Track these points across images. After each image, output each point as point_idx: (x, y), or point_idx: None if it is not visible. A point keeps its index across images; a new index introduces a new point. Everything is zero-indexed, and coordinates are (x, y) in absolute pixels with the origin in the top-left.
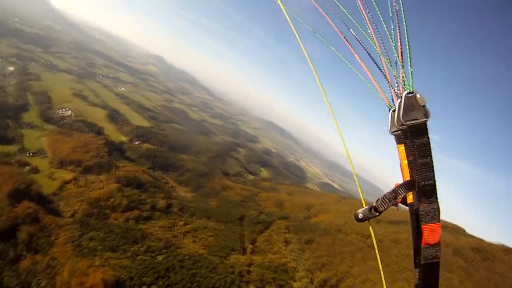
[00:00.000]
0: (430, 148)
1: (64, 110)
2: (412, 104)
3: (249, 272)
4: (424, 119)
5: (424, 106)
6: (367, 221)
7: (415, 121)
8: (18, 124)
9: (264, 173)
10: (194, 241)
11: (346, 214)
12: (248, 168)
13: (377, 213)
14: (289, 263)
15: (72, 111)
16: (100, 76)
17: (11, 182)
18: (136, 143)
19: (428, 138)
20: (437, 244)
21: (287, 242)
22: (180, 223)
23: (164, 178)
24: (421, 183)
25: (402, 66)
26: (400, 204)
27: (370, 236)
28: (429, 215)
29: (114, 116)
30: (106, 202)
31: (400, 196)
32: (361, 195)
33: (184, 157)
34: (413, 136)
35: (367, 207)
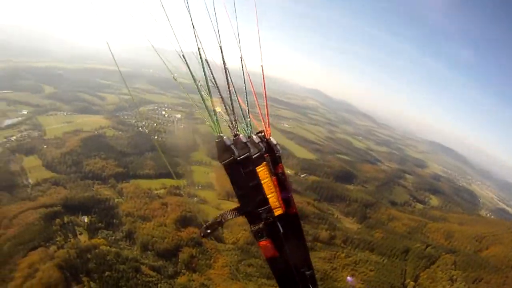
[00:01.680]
0: (249, 179)
1: None
2: (220, 148)
3: None
4: (232, 157)
5: (230, 146)
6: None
7: (227, 160)
8: (188, 162)
9: (434, 200)
10: (352, 275)
11: None
12: (416, 196)
13: (210, 232)
14: None
15: None
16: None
17: (179, 210)
18: (302, 175)
19: (248, 171)
20: (273, 258)
21: (452, 280)
22: (342, 255)
23: (330, 209)
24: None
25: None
26: None
27: None
28: (258, 234)
29: None
30: None
31: (225, 220)
32: None
33: (350, 188)
34: (229, 171)
35: (205, 225)
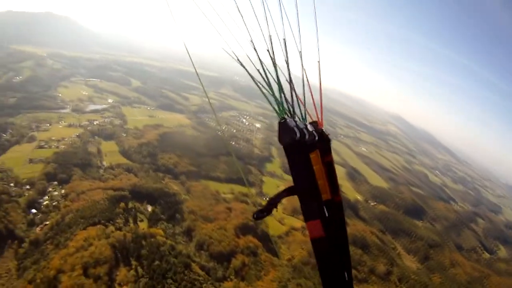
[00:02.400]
0: (305, 162)
1: None
2: (283, 129)
3: None
4: (294, 138)
5: (293, 128)
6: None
7: (288, 140)
8: (260, 172)
9: (502, 251)
10: None
11: None
12: (484, 244)
13: (266, 214)
14: None
15: None
16: (342, 136)
17: (242, 217)
18: (371, 203)
19: (304, 154)
20: (320, 238)
21: None
22: None
23: (393, 243)
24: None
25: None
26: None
27: None
28: (308, 213)
29: (353, 175)
30: None
31: (280, 199)
32: None
33: (418, 224)
34: (289, 152)
35: (259, 208)
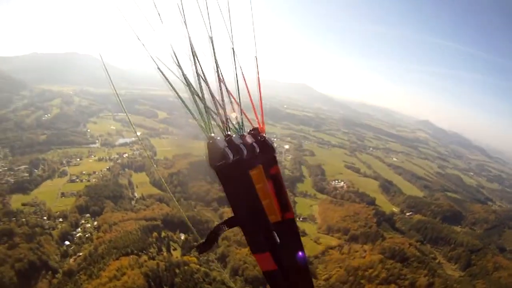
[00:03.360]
0: (244, 185)
1: (337, 181)
2: (211, 151)
3: None
4: (225, 161)
5: (223, 150)
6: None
7: (219, 164)
8: (292, 193)
9: None
10: None
11: None
12: None
13: (208, 248)
14: None
15: (344, 182)
16: (371, 148)
17: None
18: (407, 214)
19: (242, 176)
20: (272, 272)
21: None
22: None
23: (433, 252)
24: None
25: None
26: None
27: None
28: (255, 246)
29: (386, 187)
30: (364, 272)
31: (220, 233)
32: None
33: (457, 230)
34: (223, 178)
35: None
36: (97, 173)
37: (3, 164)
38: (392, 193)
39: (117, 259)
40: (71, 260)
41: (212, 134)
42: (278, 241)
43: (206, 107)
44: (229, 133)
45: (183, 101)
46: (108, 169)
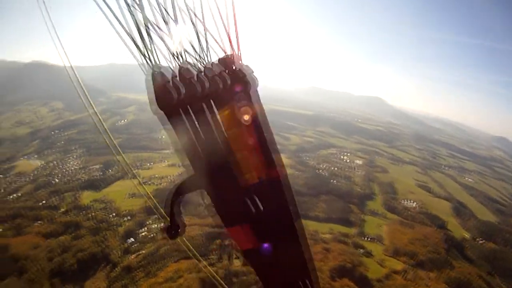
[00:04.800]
0: (192, 132)
1: (408, 201)
2: (157, 85)
3: None
4: (174, 97)
5: (169, 82)
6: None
7: (167, 103)
8: (361, 211)
9: None
10: None
11: None
12: None
13: (174, 232)
14: None
15: (415, 203)
16: (444, 166)
17: (339, 259)
18: (480, 241)
19: (200, 113)
20: (253, 251)
21: None
22: None
23: (501, 287)
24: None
25: None
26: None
27: None
28: (226, 215)
29: (459, 209)
30: None
31: (175, 202)
32: None
33: None
34: (173, 117)
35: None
36: (168, 177)
37: (78, 163)
38: (464, 216)
39: (176, 261)
40: (132, 256)
41: (159, 64)
42: (261, 208)
43: (146, 26)
44: (186, 61)
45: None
46: (179, 175)
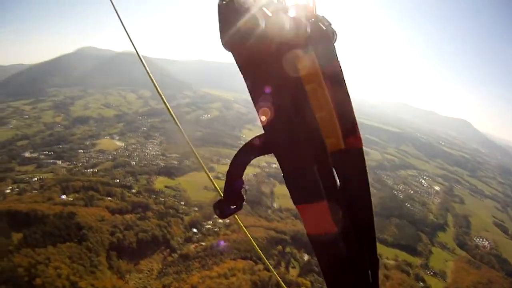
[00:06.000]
0: (285, 78)
1: (480, 239)
2: (226, 15)
3: None
4: (252, 29)
5: (248, 9)
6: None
7: (241, 35)
8: (431, 241)
9: None
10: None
11: None
12: None
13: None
14: None
15: (488, 242)
16: None
17: None
18: None
19: (284, 63)
20: (326, 236)
21: None
22: None
23: None
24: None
25: None
26: None
27: None
28: (300, 189)
29: None
30: None
31: (243, 167)
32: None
33: None
34: (247, 62)
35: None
36: (243, 176)
37: (157, 149)
38: None
39: (233, 259)
40: (192, 246)
41: None
42: (338, 183)
43: None
44: None
45: None
46: (254, 175)
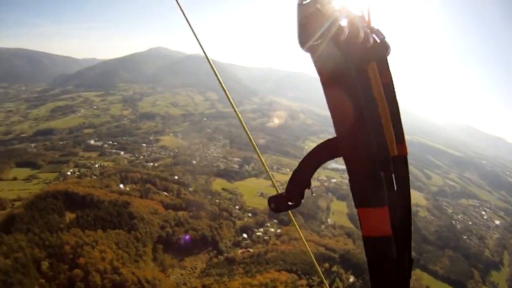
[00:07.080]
0: (355, 86)
1: None
2: (313, 14)
3: None
4: (339, 33)
5: (336, 12)
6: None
7: (325, 38)
8: (482, 280)
9: None
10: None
11: None
12: None
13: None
14: None
15: None
16: None
17: None
18: None
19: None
20: (383, 238)
21: None
22: None
23: None
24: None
25: None
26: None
27: None
28: (366, 193)
29: None
30: None
31: (314, 169)
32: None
33: None
34: (325, 59)
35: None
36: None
37: (220, 151)
38: None
39: (278, 270)
40: (240, 251)
41: None
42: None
43: None
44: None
45: None
46: (314, 188)
